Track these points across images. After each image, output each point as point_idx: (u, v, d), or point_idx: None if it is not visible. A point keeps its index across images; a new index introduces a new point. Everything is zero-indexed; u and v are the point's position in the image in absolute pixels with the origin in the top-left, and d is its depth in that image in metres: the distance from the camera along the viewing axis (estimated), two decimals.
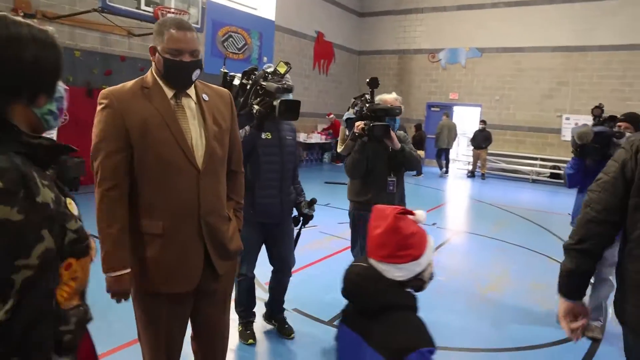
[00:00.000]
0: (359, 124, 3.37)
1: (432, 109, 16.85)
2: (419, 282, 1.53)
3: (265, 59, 13.14)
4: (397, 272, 1.47)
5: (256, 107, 2.92)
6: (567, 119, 14.43)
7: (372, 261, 1.51)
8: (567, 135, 14.13)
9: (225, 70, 2.92)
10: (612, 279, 3.64)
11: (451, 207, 9.97)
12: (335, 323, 3.83)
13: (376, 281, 1.48)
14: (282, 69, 3.04)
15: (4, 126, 1.04)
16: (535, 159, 14.76)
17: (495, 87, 15.58)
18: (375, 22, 17.84)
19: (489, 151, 14.50)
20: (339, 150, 3.93)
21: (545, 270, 5.38)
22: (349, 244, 3.87)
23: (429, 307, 4.33)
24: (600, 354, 3.61)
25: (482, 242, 6.77)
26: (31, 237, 0.97)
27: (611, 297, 2.10)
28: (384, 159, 3.50)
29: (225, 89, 2.20)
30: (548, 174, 14.30)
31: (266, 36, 13.35)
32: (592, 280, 4.03)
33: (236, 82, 3.06)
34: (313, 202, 3.39)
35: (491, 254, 6.15)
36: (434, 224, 7.67)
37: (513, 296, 4.77)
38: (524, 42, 15.20)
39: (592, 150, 3.84)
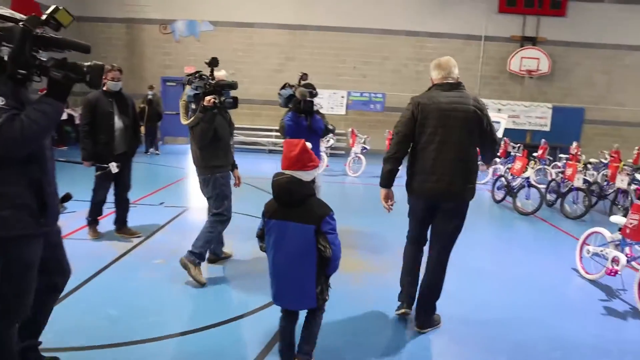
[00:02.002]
0: (210, 98, 3.99)
1: (168, 83, 16.05)
2: (313, 181, 2.67)
3: None
4: (307, 176, 2.57)
5: (57, 72, 2.05)
6: None
7: (290, 172, 2.54)
8: None
9: None
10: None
11: (188, 183, 9.61)
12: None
13: (298, 183, 2.54)
14: (65, 20, 2.14)
15: None
16: (271, 130, 15.58)
17: (230, 61, 15.68)
18: None
19: None
20: (184, 122, 4.30)
21: None
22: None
23: (157, 295, 3.98)
24: None
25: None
26: None
27: None
28: (227, 128, 4.41)
29: None
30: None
31: None
32: None
33: None
34: (67, 198, 2.59)
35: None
36: (161, 203, 7.18)
37: (233, 265, 4.71)
38: (255, 18, 15.69)
39: (308, 104, 4.96)
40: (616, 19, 16.05)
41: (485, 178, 11.21)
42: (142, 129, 13.05)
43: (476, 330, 3.68)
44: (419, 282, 3.60)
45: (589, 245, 4.95)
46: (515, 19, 15.96)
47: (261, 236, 2.75)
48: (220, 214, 4.38)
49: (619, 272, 4.28)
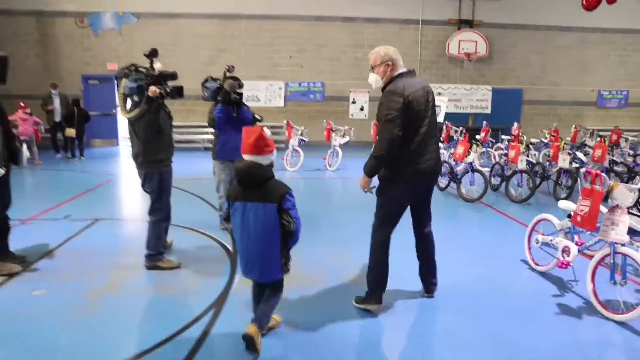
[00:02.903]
0: (154, 89, 3.96)
1: (90, 81, 14.73)
2: (272, 164, 2.89)
3: None
4: (265, 160, 2.82)
5: None
6: None
7: (250, 157, 2.78)
8: None
9: None
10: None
11: (107, 190, 8.63)
12: None
13: (257, 167, 2.78)
14: None
15: None
16: (206, 126, 14.63)
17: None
18: None
19: None
20: (127, 116, 4.13)
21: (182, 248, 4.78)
22: None
23: (30, 340, 3.03)
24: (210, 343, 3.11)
25: (123, 228, 5.80)
26: None
27: None
28: (168, 120, 4.29)
29: None
30: None
31: None
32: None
33: None
34: None
35: (124, 241, 5.22)
36: (67, 216, 6.24)
37: (131, 292, 3.94)
38: (181, 8, 14.66)
39: (238, 96, 5.18)
40: (547, 1, 16.19)
41: None
42: (72, 131, 11.82)
43: (422, 348, 3.14)
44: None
45: (537, 231, 4.54)
46: (451, 2, 15.76)
47: (227, 218, 2.97)
48: (159, 209, 4.36)
49: (571, 264, 3.86)
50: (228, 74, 5.44)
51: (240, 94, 5.26)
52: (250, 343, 2.82)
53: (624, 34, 17.06)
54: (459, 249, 5.16)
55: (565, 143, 7.63)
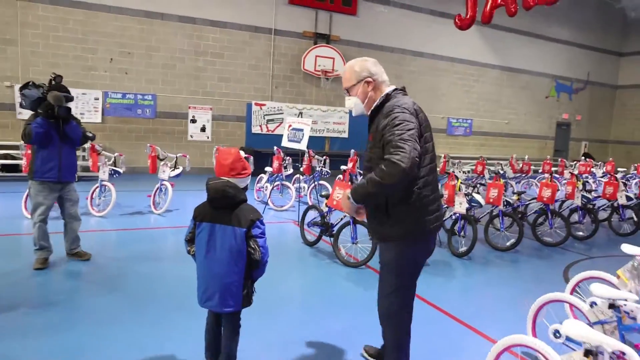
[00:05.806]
0: None
1: None
2: (246, 188, 2.74)
3: None
4: (241, 183, 2.69)
5: None
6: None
7: (226, 178, 2.63)
8: (23, 113, 10.63)
9: None
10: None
11: None
12: None
13: (234, 187, 2.62)
14: None
15: None
16: None
17: None
18: None
19: None
20: None
21: None
22: None
23: None
24: None
25: None
26: None
27: None
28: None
29: None
30: None
31: None
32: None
33: None
34: None
35: None
36: None
37: None
38: None
39: (64, 110, 4.60)
40: (400, 24, 15.68)
41: (288, 200, 8.65)
42: None
43: None
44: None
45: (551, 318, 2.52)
46: (307, 13, 14.14)
47: (191, 240, 2.77)
48: None
49: None
50: (54, 83, 4.71)
51: (68, 109, 4.68)
52: None
53: (468, 65, 17.44)
54: None
55: (461, 182, 6.07)
